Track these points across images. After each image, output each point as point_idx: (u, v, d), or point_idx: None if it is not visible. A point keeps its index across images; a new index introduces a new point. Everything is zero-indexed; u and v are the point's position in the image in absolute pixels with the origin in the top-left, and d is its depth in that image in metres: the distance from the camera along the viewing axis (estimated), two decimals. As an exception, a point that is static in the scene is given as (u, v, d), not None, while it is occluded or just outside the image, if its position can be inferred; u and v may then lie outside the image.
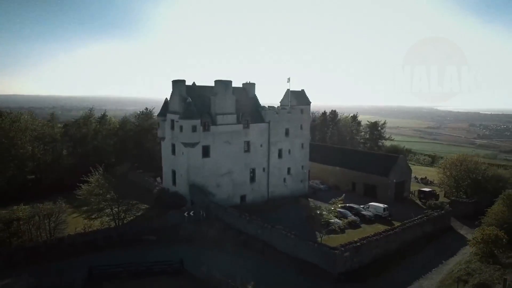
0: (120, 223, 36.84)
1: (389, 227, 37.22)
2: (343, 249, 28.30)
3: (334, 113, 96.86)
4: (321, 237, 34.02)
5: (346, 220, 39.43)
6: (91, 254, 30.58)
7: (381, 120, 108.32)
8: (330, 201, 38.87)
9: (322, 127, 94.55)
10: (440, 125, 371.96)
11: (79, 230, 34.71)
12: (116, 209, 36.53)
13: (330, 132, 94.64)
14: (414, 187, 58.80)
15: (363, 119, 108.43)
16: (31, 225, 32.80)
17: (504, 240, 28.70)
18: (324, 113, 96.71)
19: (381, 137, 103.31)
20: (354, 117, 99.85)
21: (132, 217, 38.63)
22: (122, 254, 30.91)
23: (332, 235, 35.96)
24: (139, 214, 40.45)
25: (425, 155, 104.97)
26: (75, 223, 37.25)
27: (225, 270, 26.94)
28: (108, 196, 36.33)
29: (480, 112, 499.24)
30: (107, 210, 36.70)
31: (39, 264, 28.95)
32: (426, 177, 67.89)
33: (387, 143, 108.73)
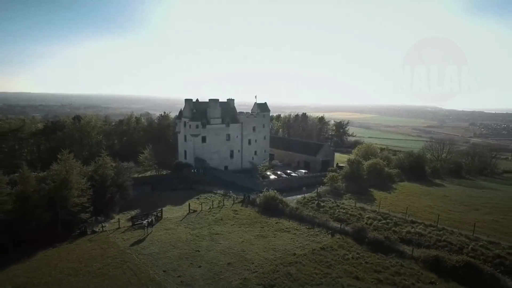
0: (158, 173, 77.20)
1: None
2: (262, 180, 67.74)
3: (304, 115, 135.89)
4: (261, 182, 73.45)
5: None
6: (148, 185, 70.36)
7: (345, 120, 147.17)
8: (261, 166, 78.47)
9: (295, 126, 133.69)
10: (441, 124, 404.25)
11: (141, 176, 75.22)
12: (156, 167, 76.83)
13: (301, 129, 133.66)
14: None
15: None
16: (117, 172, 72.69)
17: (336, 178, 67.57)
18: (297, 115, 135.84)
19: (345, 133, 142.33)
20: (321, 118, 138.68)
21: (164, 173, 78.80)
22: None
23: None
24: (168, 172, 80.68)
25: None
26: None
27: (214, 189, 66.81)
28: (153, 161, 76.56)
29: (485, 111, 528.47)
30: (152, 168, 77.02)
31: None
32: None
33: (351, 138, 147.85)
